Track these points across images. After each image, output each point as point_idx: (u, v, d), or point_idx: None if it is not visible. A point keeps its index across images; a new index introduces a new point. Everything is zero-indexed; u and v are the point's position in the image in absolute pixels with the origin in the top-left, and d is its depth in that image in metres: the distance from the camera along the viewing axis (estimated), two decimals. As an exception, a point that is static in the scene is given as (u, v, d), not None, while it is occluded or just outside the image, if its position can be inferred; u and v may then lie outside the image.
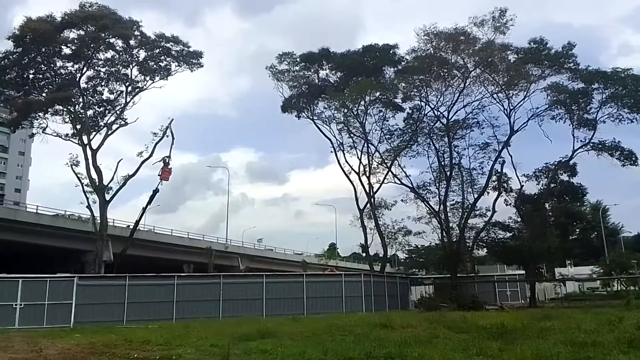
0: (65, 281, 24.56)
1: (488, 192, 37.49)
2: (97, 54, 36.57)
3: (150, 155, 36.64)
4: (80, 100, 36.57)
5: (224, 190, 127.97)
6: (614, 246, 62.20)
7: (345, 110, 38.89)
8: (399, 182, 39.36)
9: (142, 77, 37.63)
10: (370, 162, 39.15)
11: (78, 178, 35.03)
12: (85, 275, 29.76)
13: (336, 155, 40.22)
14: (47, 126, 36.45)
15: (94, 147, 35.70)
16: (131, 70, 37.41)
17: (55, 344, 13.59)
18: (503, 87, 35.71)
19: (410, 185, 39.18)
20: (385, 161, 39.64)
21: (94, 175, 34.95)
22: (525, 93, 35.67)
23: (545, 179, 36.94)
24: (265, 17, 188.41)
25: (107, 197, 35.41)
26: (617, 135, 34.76)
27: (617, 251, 55.32)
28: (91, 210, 35.18)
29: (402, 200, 40.20)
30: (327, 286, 28.87)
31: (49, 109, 35.74)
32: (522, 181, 36.78)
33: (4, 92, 38.13)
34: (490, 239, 38.97)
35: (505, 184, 37.53)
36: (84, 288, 24.31)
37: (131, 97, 37.42)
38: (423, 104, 38.36)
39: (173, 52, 37.92)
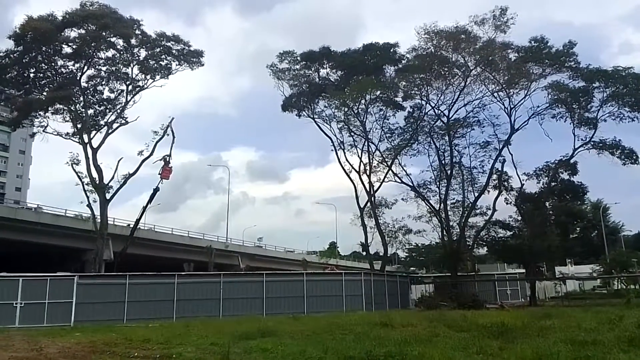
0: (65, 280, 24.59)
1: (488, 191, 37.55)
2: (98, 53, 36.50)
3: (151, 154, 36.65)
4: (81, 99, 36.55)
5: (225, 189, 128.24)
6: (614, 245, 62.16)
7: (346, 109, 38.89)
8: (400, 181, 39.43)
9: (143, 76, 37.57)
10: (371, 161, 39.18)
11: (78, 177, 35.04)
12: (85, 274, 29.79)
13: (337, 154, 40.31)
14: (47, 125, 36.44)
15: (95, 145, 35.69)
16: (132, 69, 37.40)
17: (55, 343, 13.61)
18: (504, 85, 35.70)
19: (410, 184, 39.26)
20: (386, 160, 39.67)
21: (95, 174, 34.95)
22: (525, 92, 35.73)
23: (546, 178, 36.94)
24: (265, 16, 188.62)
25: (108, 195, 35.39)
26: (618, 133, 34.81)
27: (617, 250, 55.27)
28: (92, 209, 35.17)
29: (402, 199, 40.29)
30: (327, 285, 28.85)
31: (50, 108, 35.72)
32: (523, 180, 36.86)
33: (4, 90, 38.16)
34: (491, 237, 38.98)
35: (505, 183, 37.56)
36: (84, 287, 24.33)
37: (132, 96, 37.40)
38: (424, 102, 38.48)
39: (174, 51, 37.87)
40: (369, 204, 38.70)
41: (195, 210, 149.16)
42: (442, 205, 37.63)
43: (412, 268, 72.67)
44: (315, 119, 40.65)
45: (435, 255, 46.56)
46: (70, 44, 35.58)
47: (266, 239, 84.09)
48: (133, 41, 36.52)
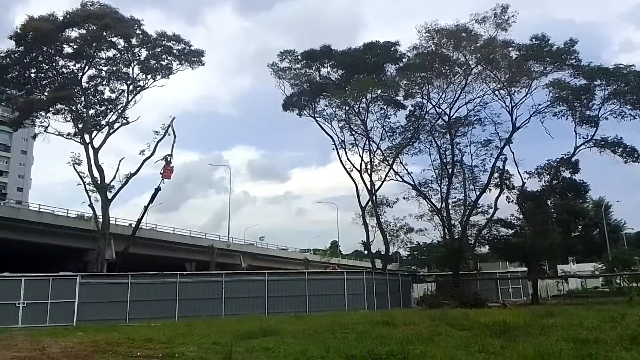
0: (67, 280, 24.67)
1: (490, 190, 37.48)
2: (99, 53, 36.52)
3: (152, 154, 36.67)
4: (82, 99, 36.58)
5: (226, 188, 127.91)
6: (616, 243, 62.07)
7: (347, 108, 38.85)
8: (401, 180, 39.39)
9: (144, 75, 37.56)
10: (372, 160, 39.14)
11: (80, 177, 35.08)
12: (88, 273, 29.85)
13: (338, 153, 40.29)
14: (49, 125, 36.47)
15: (96, 145, 35.72)
16: (133, 69, 37.40)
17: (58, 343, 13.64)
18: (505, 84, 35.64)
19: (412, 183, 39.21)
20: (387, 159, 39.61)
21: (96, 174, 34.98)
22: (527, 90, 35.63)
23: (548, 176, 36.87)
24: (265, 15, 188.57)
25: (109, 195, 35.44)
26: (620, 131, 34.72)
27: (619, 248, 55.18)
28: (93, 209, 35.25)
29: (404, 198, 40.20)
30: (329, 284, 28.87)
31: (51, 108, 35.74)
32: (524, 178, 36.78)
33: (5, 91, 38.25)
34: (493, 236, 38.92)
35: (507, 181, 37.48)
36: (86, 286, 24.39)
37: (132, 96, 37.41)
38: (425, 101, 38.39)
39: (174, 51, 37.87)
40: (370, 202, 38.67)
41: (196, 210, 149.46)
42: (443, 203, 37.60)
43: (412, 267, 72.60)
44: (316, 118, 40.70)
45: (437, 254, 46.48)
46: (71, 44, 35.61)
47: (268, 238, 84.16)
48: (134, 41, 36.55)
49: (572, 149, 35.29)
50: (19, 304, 22.72)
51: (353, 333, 13.56)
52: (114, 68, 37.36)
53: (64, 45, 35.71)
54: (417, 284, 39.21)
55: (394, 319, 16.17)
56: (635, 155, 33.83)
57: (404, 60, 38.42)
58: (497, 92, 36.34)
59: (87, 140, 35.44)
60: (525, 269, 41.27)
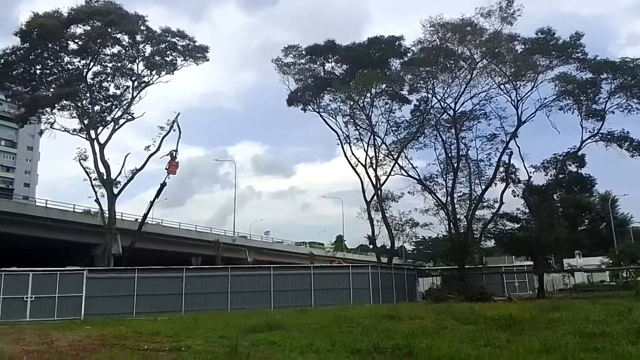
0: (75, 274, 24.86)
1: (496, 184, 37.39)
2: (104, 49, 36.57)
3: (158, 149, 36.75)
4: (87, 95, 36.69)
5: (231, 183, 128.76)
6: (623, 237, 61.76)
7: (352, 103, 38.80)
8: (406, 174, 39.36)
9: (148, 72, 37.58)
10: (377, 154, 39.15)
11: (86, 172, 35.26)
12: (94, 268, 30.04)
13: (342, 147, 40.26)
14: (54, 121, 36.63)
15: (102, 141, 35.84)
16: (137, 65, 37.41)
17: (66, 336, 13.75)
18: (510, 78, 35.44)
19: (417, 177, 39.18)
20: (392, 153, 39.57)
21: (102, 170, 35.14)
22: (532, 84, 35.43)
23: (554, 170, 36.71)
24: (270, 11, 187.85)
25: (115, 191, 35.58)
26: (626, 125, 34.47)
27: (626, 242, 54.94)
28: (99, 204, 35.44)
29: (409, 193, 40.20)
30: (334, 278, 28.96)
31: (56, 104, 35.89)
32: (530, 172, 36.63)
33: (11, 87, 38.32)
34: (498, 230, 38.86)
35: (513, 175, 37.37)
36: (93, 281, 24.58)
37: (137, 92, 37.44)
38: (430, 95, 38.29)
39: (179, 47, 37.85)
40: (375, 197, 38.67)
41: (202, 205, 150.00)
42: (449, 198, 37.56)
43: (418, 261, 72.64)
44: (321, 113, 40.65)
45: (443, 248, 46.56)
46: (76, 41, 35.66)
47: (273, 233, 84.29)
48: (138, 37, 36.55)
49: (578, 143, 35.15)
50: (27, 298, 22.93)
51: (358, 327, 13.60)
52: (119, 64, 37.40)
53: (69, 42, 35.77)
54: (423, 278, 39.26)
55: (399, 313, 16.20)
56: (642, 149, 33.59)
57: (409, 54, 38.28)
58: (502, 86, 36.20)
59: (93, 136, 35.58)
60: (531, 263, 41.19)
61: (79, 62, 36.68)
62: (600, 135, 34.44)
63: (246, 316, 17.67)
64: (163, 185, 38.14)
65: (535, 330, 11.88)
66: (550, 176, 36.93)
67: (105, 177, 34.99)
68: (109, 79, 37.71)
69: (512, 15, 34.16)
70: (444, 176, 38.69)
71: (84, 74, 36.48)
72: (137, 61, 37.32)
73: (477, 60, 35.64)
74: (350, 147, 39.99)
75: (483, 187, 37.47)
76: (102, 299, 24.16)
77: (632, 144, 33.76)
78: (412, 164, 39.68)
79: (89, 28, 35.33)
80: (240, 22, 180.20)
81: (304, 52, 40.07)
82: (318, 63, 40.62)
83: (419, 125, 38.93)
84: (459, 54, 36.07)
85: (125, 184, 36.07)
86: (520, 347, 9.45)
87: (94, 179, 35.14)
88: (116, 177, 35.56)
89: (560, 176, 36.93)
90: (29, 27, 33.91)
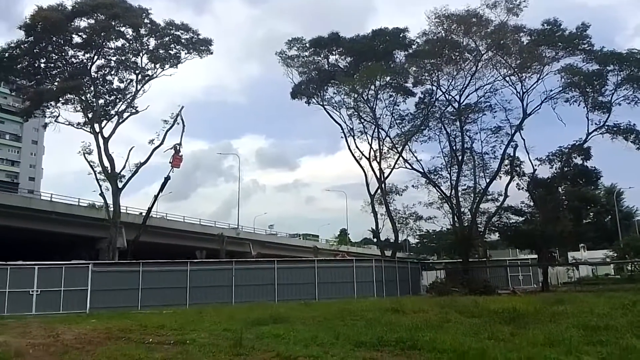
0: (80, 268, 24.96)
1: (500, 177, 37.19)
2: (108, 43, 36.57)
3: (162, 143, 36.84)
4: (91, 89, 36.74)
5: (235, 176, 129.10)
6: (628, 230, 61.57)
7: (356, 96, 38.64)
8: (410, 167, 39.17)
9: (152, 65, 37.58)
10: (381, 148, 38.99)
11: (91, 166, 35.38)
12: (99, 262, 30.20)
13: (346, 140, 40.17)
14: (59, 115, 36.71)
15: (106, 135, 35.93)
16: (141, 58, 37.42)
17: (71, 330, 13.85)
18: (516, 69, 35.17)
19: (421, 170, 38.99)
20: (396, 146, 39.40)
21: (106, 163, 35.24)
22: (538, 75, 35.08)
23: (559, 163, 36.49)
24: (273, 2, 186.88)
25: (120, 184, 35.72)
26: (632, 117, 34.20)
27: (631, 235, 54.75)
28: (104, 198, 35.57)
29: (413, 186, 39.99)
30: (338, 271, 29.02)
31: (61, 98, 35.97)
32: (535, 165, 36.37)
33: (16, 81, 38.44)
34: (503, 223, 38.74)
35: (517, 168, 37.19)
36: (99, 274, 24.67)
37: (141, 85, 37.49)
38: (434, 88, 38.04)
39: (183, 40, 37.81)
40: (379, 190, 38.61)
41: (206, 198, 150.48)
42: (453, 191, 37.40)
43: (422, 255, 72.60)
44: (325, 106, 40.52)
45: (447, 241, 46.36)
46: (80, 34, 35.69)
47: (277, 226, 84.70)
48: (142, 30, 36.54)
49: (584, 136, 34.83)
50: (32, 291, 23.04)
51: (362, 320, 13.63)
52: (123, 58, 37.41)
53: (73, 35, 35.81)
54: (427, 271, 39.26)
55: (403, 306, 16.21)
56: (648, 142, 33.35)
57: (414, 46, 38.06)
58: (507, 78, 35.92)
59: (97, 130, 35.66)
60: (536, 256, 41.11)
61: (83, 55, 36.75)
62: (606, 127, 34.18)
63: (250, 309, 17.74)
64: (167, 178, 38.26)
65: (540, 323, 11.87)
66: (556, 169, 36.73)
67: (109, 171, 35.10)
68: (113, 72, 37.76)
69: (518, 6, 33.89)
70: (449, 169, 38.57)
71: (88, 68, 36.53)
72: (141, 54, 37.33)
73: (483, 52, 35.38)
74: (355, 140, 39.96)
75: (487, 180, 37.34)
76: (107, 292, 24.27)
77: (638, 137, 33.49)
78: (416, 157, 39.55)
79: (93, 21, 35.35)
80: (244, 14, 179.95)
81: (307, 45, 39.95)
82: (322, 55, 40.48)
83: (423, 118, 38.76)
84: (464, 46, 35.83)
85: (130, 178, 36.23)
86: (524, 340, 9.45)
87: (98, 173, 35.30)
88: (120, 171, 35.73)
89: (566, 169, 36.74)
90: (33, 21, 33.94)
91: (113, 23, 35.18)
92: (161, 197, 41.10)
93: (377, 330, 11.04)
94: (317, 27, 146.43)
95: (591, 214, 51.74)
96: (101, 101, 37.30)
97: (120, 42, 36.98)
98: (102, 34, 35.45)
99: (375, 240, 53.24)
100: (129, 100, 37.39)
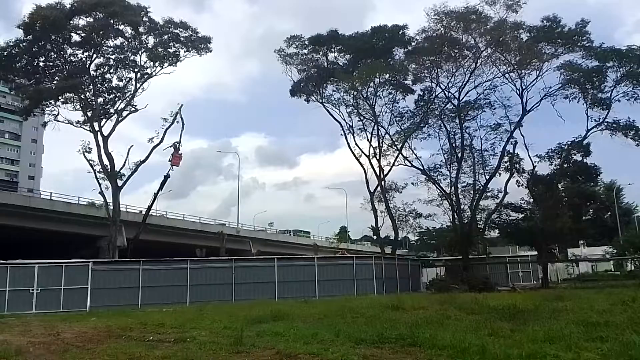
0: (80, 266, 25.01)
1: (500, 174, 37.20)
2: (107, 41, 36.58)
3: (161, 141, 36.88)
4: (90, 87, 36.72)
5: (235, 175, 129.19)
6: (627, 226, 61.57)
7: (355, 93, 38.64)
8: (410, 165, 39.17)
9: (151, 63, 37.57)
10: (381, 145, 38.95)
11: (90, 165, 35.42)
12: (99, 260, 30.22)
13: (346, 138, 40.12)
14: (58, 113, 36.75)
15: (105, 133, 35.95)
16: (140, 56, 37.42)
17: (72, 328, 13.85)
18: (515, 66, 35.14)
19: (421, 168, 38.99)
20: (396, 143, 39.38)
21: (106, 162, 35.26)
22: (537, 72, 35.06)
23: (558, 160, 36.48)
24: (272, 0, 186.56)
25: (119, 183, 35.76)
26: (632, 114, 34.32)
27: (631, 231, 54.76)
28: (104, 196, 35.61)
29: (412, 183, 39.99)
30: (338, 269, 29.04)
31: (60, 97, 35.98)
32: (535, 162, 36.35)
33: (15, 80, 38.40)
34: (502, 220, 38.77)
35: (517, 165, 37.16)
36: (99, 273, 24.73)
37: (140, 83, 37.50)
38: (434, 85, 38.02)
39: (182, 38, 37.79)
40: (379, 188, 38.60)
41: (205, 197, 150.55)
42: (452, 188, 37.43)
43: (422, 252, 72.64)
44: (324, 104, 40.42)
45: (446, 238, 46.42)
46: (79, 32, 35.66)
47: (277, 224, 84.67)
48: (141, 29, 36.53)
49: (584, 132, 34.81)
50: (32, 290, 23.09)
51: (362, 317, 13.63)
52: (122, 56, 37.41)
53: (72, 34, 35.80)
54: (427, 268, 39.32)
55: (403, 303, 16.22)
56: (648, 138, 33.33)
57: (413, 43, 37.98)
58: (507, 75, 35.87)
59: (97, 128, 35.67)
60: (535, 253, 41.16)
61: (82, 54, 36.78)
62: (605, 124, 34.13)
63: (250, 307, 17.75)
64: (167, 177, 38.30)
65: (539, 320, 11.87)
66: (555, 166, 36.73)
67: (109, 170, 35.11)
68: (112, 70, 37.76)
69: (517, 3, 33.80)
70: (448, 166, 38.58)
71: (87, 66, 36.52)
72: (139, 53, 37.32)
73: (482, 49, 35.35)
74: (354, 137, 39.92)
75: (487, 177, 37.35)
76: (107, 290, 24.32)
77: (638, 133, 33.44)
78: (415, 154, 39.57)
79: (91, 20, 35.35)
80: (243, 12, 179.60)
81: (306, 43, 39.85)
82: (321, 53, 40.40)
83: (422, 115, 38.74)
84: (464, 43, 35.77)
85: (129, 176, 36.29)
86: (524, 336, 9.45)
87: (98, 172, 35.33)
88: (120, 169, 35.78)
89: (565, 166, 36.74)
90: (32, 20, 33.92)
91: (112, 21, 35.19)
92: (161, 195, 41.18)
93: (377, 327, 11.03)
94: (316, 25, 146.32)
95: (591, 210, 51.67)
96: (100, 100, 37.29)
97: (119, 41, 37.00)
98: (101, 32, 35.43)
99: (375, 237, 53.28)
100: (128, 99, 37.41)
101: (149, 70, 37.65)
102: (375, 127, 38.89)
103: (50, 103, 36.51)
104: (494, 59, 35.68)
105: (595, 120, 34.31)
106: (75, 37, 35.93)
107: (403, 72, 38.35)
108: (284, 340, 10.14)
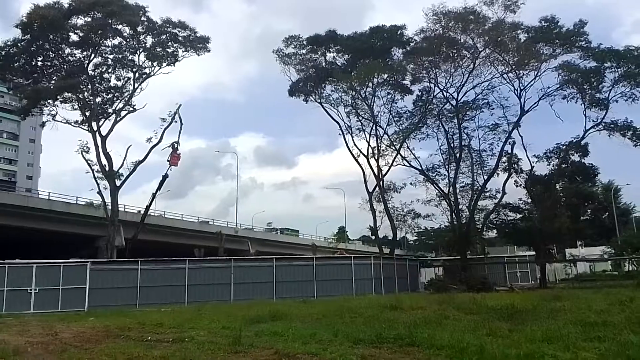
0: (78, 266, 24.98)
1: (498, 174, 37.24)
2: (105, 41, 36.53)
3: (159, 141, 36.86)
4: (89, 87, 36.68)
5: (233, 175, 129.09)
6: (625, 226, 61.67)
7: (353, 93, 38.67)
8: (408, 165, 39.20)
9: (150, 63, 37.56)
10: (379, 145, 38.95)
11: (88, 164, 35.38)
12: (98, 260, 30.18)
13: (344, 138, 40.10)
14: (56, 113, 36.75)
15: (104, 133, 35.91)
16: (138, 56, 37.42)
17: (70, 328, 13.84)
18: (513, 67, 35.19)
19: (419, 168, 39.04)
20: (394, 144, 39.43)
21: (104, 162, 35.24)
22: (535, 73, 35.11)
23: (557, 160, 36.56)
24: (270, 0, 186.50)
25: (118, 183, 35.70)
26: (630, 114, 34.30)
27: (628, 231, 54.85)
28: (102, 196, 35.53)
29: (411, 183, 40.04)
30: (336, 269, 29.01)
31: (58, 97, 35.94)
32: (533, 162, 36.44)
33: (13, 79, 38.32)
34: (501, 220, 38.81)
35: (515, 165, 37.23)
36: (97, 273, 24.69)
37: (139, 83, 37.49)
38: (432, 85, 38.03)
39: (180, 38, 37.77)
40: (377, 188, 38.62)
41: (204, 197, 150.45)
42: (451, 188, 37.47)
43: (420, 252, 72.74)
44: (323, 104, 40.41)
45: (445, 238, 46.51)
46: (77, 32, 35.61)
47: (275, 224, 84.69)
48: (139, 28, 36.49)
49: (582, 133, 34.88)
50: (30, 290, 23.06)
51: (361, 317, 13.64)
52: (120, 56, 37.37)
53: (70, 33, 35.75)
54: (425, 268, 39.31)
55: (401, 303, 16.23)
56: (645, 139, 33.41)
57: (411, 44, 37.97)
58: (505, 76, 35.92)
59: (95, 128, 35.64)
60: (533, 253, 41.21)
61: (81, 53, 36.74)
62: (603, 124, 34.20)
63: (249, 307, 17.75)
64: (165, 177, 38.26)
65: (537, 319, 11.90)
66: (553, 166, 36.82)
67: (107, 169, 35.07)
68: (110, 70, 37.74)
69: (515, 3, 33.81)
70: (446, 166, 38.63)
71: (85, 66, 36.48)
72: (138, 52, 37.32)
73: (480, 49, 35.36)
74: (352, 137, 39.90)
75: (485, 177, 37.39)
76: (105, 290, 24.28)
77: (636, 133, 33.56)
78: (414, 155, 39.62)
79: (89, 19, 35.31)
80: (241, 12, 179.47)
81: (305, 43, 39.83)
82: (319, 53, 40.38)
83: (421, 115, 38.78)
84: (462, 43, 35.78)
85: (128, 176, 36.22)
86: (522, 336, 9.47)
87: (96, 171, 35.31)
88: (118, 169, 35.74)
89: (563, 166, 36.81)
90: (30, 19, 33.86)
91: (110, 21, 35.14)
92: (159, 195, 41.16)
93: (376, 328, 11.05)
94: (314, 25, 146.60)
95: (589, 210, 51.98)
96: (98, 99, 37.24)
97: (117, 40, 36.95)
98: (99, 31, 35.38)
99: (373, 237, 53.26)
100: (126, 99, 37.38)
101: (147, 70, 37.68)
102: (374, 127, 38.98)
103: (48, 103, 36.46)
104: (492, 60, 35.70)
105: (593, 121, 34.44)
106: (74, 37, 35.91)
107: (401, 72, 38.37)
108: (282, 340, 10.15)
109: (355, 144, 39.67)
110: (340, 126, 40.09)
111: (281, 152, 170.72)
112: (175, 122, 37.46)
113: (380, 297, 22.34)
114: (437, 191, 38.67)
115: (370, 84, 37.89)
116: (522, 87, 35.46)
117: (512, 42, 34.72)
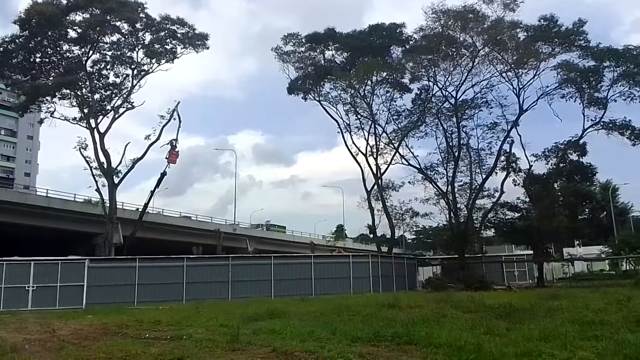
0: (76, 263, 24.97)
1: (496, 173, 37.34)
2: (103, 37, 36.39)
3: (158, 139, 36.72)
4: (87, 83, 36.56)
5: (232, 172, 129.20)
6: (623, 226, 61.79)
7: (352, 91, 38.67)
8: (407, 163, 39.25)
9: (148, 60, 37.43)
10: (378, 143, 39.00)
11: (87, 161, 35.24)
12: (96, 257, 30.14)
13: (343, 136, 40.13)
14: (55, 110, 36.57)
15: (102, 130, 35.79)
16: (137, 53, 37.27)
17: (68, 325, 13.84)
18: (512, 65, 35.22)
19: (417, 166, 39.09)
20: (393, 142, 39.45)
21: (103, 159, 35.14)
22: (534, 72, 35.20)
23: (555, 159, 36.65)
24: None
25: (116, 180, 35.59)
26: (628, 113, 34.47)
27: (626, 231, 54.96)
28: (100, 194, 35.43)
29: (409, 182, 40.13)
30: (335, 267, 29.05)
31: (57, 93, 35.78)
32: (531, 161, 36.56)
33: (11, 76, 38.20)
34: (499, 219, 38.92)
35: (513, 164, 37.31)
36: (95, 270, 24.68)
37: (137, 80, 37.34)
38: (431, 84, 38.05)
39: (179, 35, 37.65)
40: (376, 186, 38.64)
41: (202, 194, 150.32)
42: (449, 187, 37.51)
43: (418, 250, 72.78)
44: (321, 102, 40.43)
45: (443, 237, 46.53)
46: (75, 28, 35.48)
47: (273, 222, 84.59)
48: (138, 25, 36.33)
49: (580, 132, 34.99)
50: (28, 287, 23.05)
51: (359, 315, 13.65)
52: (118, 52, 37.25)
53: (68, 30, 35.62)
54: (423, 267, 39.35)
55: (399, 302, 16.24)
56: (644, 138, 33.48)
57: (410, 42, 37.97)
58: (504, 74, 35.99)
59: (93, 125, 35.52)
60: (531, 252, 41.28)
61: (79, 50, 36.56)
62: (602, 123, 34.30)
63: (247, 305, 17.75)
64: (163, 174, 38.16)
65: (535, 318, 11.91)
66: (551, 165, 36.91)
67: (105, 167, 34.99)
68: (108, 67, 37.57)
69: (514, 2, 33.89)
70: (445, 165, 38.67)
71: (84, 62, 36.34)
72: (136, 49, 37.17)
73: (479, 48, 35.40)
74: (351, 135, 39.92)
75: (484, 176, 37.51)
76: (103, 288, 24.29)
77: (634, 132, 33.68)
78: (412, 153, 39.65)
79: (88, 16, 35.16)
80: (240, 9, 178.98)
81: (303, 40, 39.77)
82: (318, 51, 40.34)
83: (420, 113, 38.80)
84: (461, 42, 35.80)
85: (126, 174, 36.12)
86: (519, 335, 9.49)
87: (94, 169, 35.18)
88: (117, 167, 35.59)
89: (561, 165, 36.89)
90: (28, 15, 33.71)
91: (108, 17, 34.99)
92: (157, 192, 40.98)
93: (374, 326, 11.05)
94: (313, 22, 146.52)
95: (586, 210, 51.97)
96: (97, 96, 37.11)
97: (115, 37, 36.84)
98: (98, 28, 35.23)
99: (372, 236, 53.36)
100: (125, 96, 37.26)
101: (145, 67, 37.55)
102: (373, 126, 38.99)
103: (46, 99, 36.33)
104: (491, 58, 35.75)
105: (591, 120, 34.56)
106: (72, 33, 35.76)
107: (400, 71, 38.37)
108: (280, 338, 10.15)
109: (354, 142, 39.76)
110: (339, 124, 40.17)
111: (280, 150, 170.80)
112: (174, 119, 37.40)
113: (378, 296, 22.36)
114: (435, 190, 38.78)
115: (369, 82, 37.90)
116: (520, 86, 35.58)
117: (511, 40, 34.75)
